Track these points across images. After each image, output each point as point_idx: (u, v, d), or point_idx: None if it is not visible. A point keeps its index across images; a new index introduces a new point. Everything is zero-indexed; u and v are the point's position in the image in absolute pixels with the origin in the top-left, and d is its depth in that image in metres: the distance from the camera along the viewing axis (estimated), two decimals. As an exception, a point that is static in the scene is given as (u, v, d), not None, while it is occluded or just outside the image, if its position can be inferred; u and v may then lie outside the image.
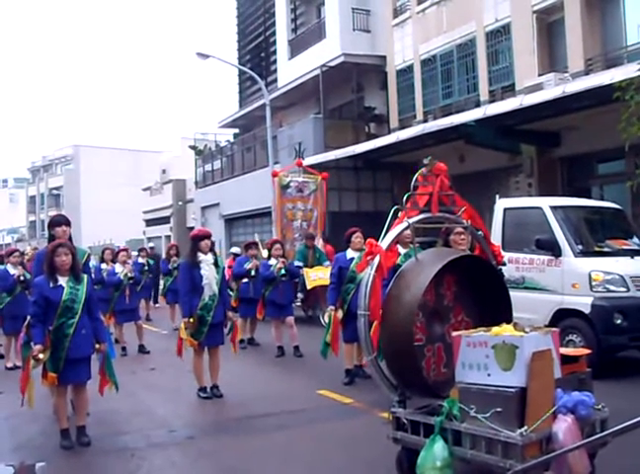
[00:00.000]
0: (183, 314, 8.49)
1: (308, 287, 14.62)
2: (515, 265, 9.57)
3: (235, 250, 17.67)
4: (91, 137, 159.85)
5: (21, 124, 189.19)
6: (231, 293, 14.26)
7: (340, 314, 8.91)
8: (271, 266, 11.61)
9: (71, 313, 6.39)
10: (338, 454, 6.02)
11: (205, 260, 8.29)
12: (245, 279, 12.70)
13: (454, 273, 5.13)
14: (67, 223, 7.16)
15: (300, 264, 14.37)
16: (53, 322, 6.36)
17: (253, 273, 12.28)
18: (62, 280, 6.45)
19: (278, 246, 11.91)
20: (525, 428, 4.02)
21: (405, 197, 5.17)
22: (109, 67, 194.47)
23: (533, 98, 13.15)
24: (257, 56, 30.91)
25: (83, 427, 6.65)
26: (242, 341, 12.59)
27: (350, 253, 9.17)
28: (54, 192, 69.67)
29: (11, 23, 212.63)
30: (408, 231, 5.22)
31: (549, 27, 16.45)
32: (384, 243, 4.94)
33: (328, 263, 14.64)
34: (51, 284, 6.39)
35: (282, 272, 11.48)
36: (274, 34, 28.16)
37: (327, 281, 11.67)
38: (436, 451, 4.40)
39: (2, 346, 12.01)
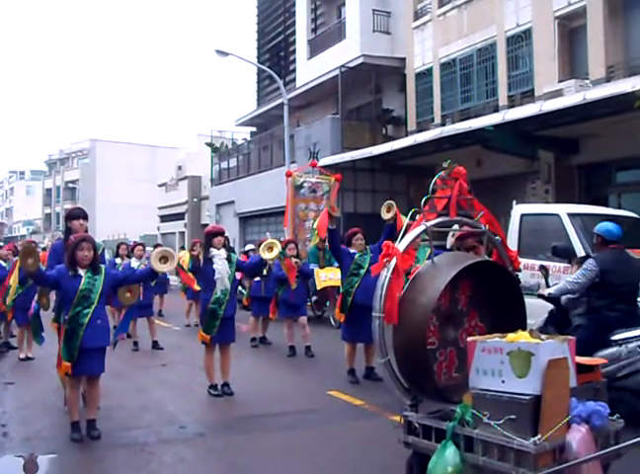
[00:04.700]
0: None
1: (318, 288, 14.65)
2: (530, 271, 9.51)
3: (249, 247, 17.70)
4: (108, 132, 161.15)
5: (39, 118, 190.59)
6: (243, 292, 14.30)
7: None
8: (284, 265, 11.58)
9: (87, 302, 6.44)
10: (348, 456, 6.00)
11: (218, 254, 8.31)
12: (257, 278, 12.69)
13: (470, 277, 5.09)
14: (85, 217, 7.20)
15: (316, 266, 14.37)
16: (69, 311, 6.41)
17: (265, 271, 12.26)
18: (81, 271, 6.53)
19: (291, 246, 11.87)
20: (539, 436, 3.96)
21: (423, 200, 5.14)
22: (128, 63, 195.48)
23: (553, 104, 13.05)
24: (276, 55, 30.93)
25: (93, 420, 6.67)
26: (254, 339, 12.63)
27: (352, 249, 9.19)
28: (70, 185, 70.06)
29: (32, 17, 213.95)
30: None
31: (571, 33, 16.34)
32: (401, 245, 4.91)
33: (338, 264, 14.68)
34: (71, 273, 6.46)
35: (294, 272, 11.45)
36: (293, 33, 28.17)
37: (337, 282, 11.72)
38: (447, 457, 4.35)
39: (15, 337, 12.07)
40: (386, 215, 7.96)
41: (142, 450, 6.24)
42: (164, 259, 6.63)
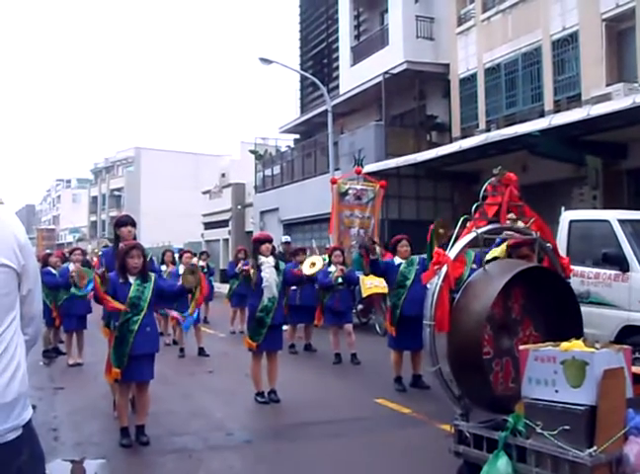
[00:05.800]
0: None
1: (364, 295, 14.54)
2: (580, 278, 9.33)
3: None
4: (152, 140, 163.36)
5: (85, 127, 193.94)
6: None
7: None
8: (330, 272, 11.56)
9: (137, 310, 6.53)
10: (396, 465, 5.95)
11: (266, 262, 8.30)
12: (293, 287, 12.64)
13: (522, 285, 5.02)
14: (133, 224, 7.29)
15: (361, 273, 14.31)
16: (119, 318, 6.49)
17: None
18: (131, 278, 6.62)
19: (338, 253, 11.85)
20: (595, 448, 3.88)
21: (474, 207, 5.09)
22: (172, 71, 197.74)
23: (601, 108, 12.82)
24: (319, 62, 30.98)
25: (142, 426, 6.73)
26: (292, 346, 12.58)
27: (397, 260, 9.12)
28: (115, 193, 70.97)
29: (76, 27, 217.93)
30: None
31: (619, 35, 16.06)
32: (452, 253, 4.87)
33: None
34: (121, 280, 6.55)
35: (340, 280, 11.42)
36: (336, 40, 28.18)
37: (382, 289, 11.64)
38: (499, 467, 4.29)
39: (64, 343, 12.25)
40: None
41: (190, 457, 6.28)
42: (190, 274, 6.96)
